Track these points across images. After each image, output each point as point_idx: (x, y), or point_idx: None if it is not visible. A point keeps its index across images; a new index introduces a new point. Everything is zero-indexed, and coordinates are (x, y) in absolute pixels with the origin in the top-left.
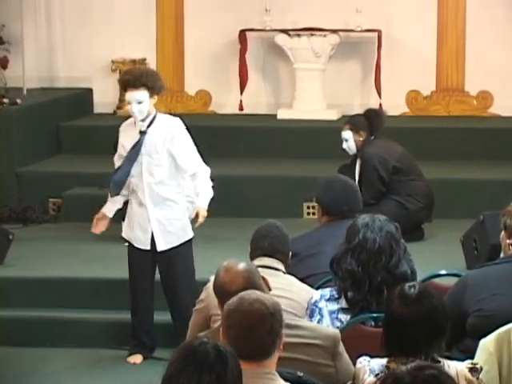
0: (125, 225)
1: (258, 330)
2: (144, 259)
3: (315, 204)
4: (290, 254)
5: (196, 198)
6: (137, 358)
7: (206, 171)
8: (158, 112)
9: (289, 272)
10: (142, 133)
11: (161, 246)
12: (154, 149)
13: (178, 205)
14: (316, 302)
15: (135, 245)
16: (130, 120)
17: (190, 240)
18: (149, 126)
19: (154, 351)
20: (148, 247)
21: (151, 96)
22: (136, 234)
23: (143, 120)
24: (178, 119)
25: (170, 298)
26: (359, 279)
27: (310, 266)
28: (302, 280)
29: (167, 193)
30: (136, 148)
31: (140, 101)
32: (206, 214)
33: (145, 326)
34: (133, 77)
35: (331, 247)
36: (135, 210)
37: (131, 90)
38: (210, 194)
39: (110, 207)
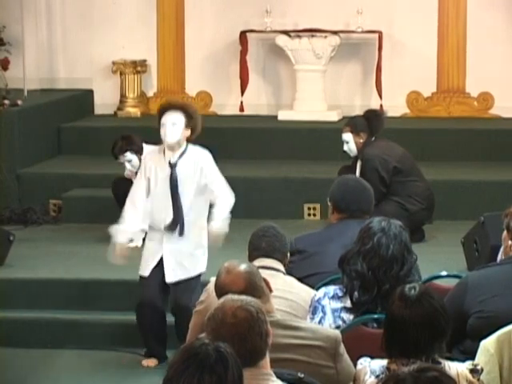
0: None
1: (250, 337)
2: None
3: (328, 203)
4: (295, 250)
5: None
6: (151, 361)
7: (228, 200)
8: (188, 145)
9: (289, 272)
10: (173, 165)
11: (170, 278)
12: (184, 182)
13: (192, 238)
14: (319, 299)
15: (146, 274)
16: (154, 148)
17: (200, 274)
18: (179, 158)
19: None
20: (156, 262)
21: (187, 126)
22: (147, 263)
23: (173, 150)
24: (206, 152)
25: (176, 324)
26: (368, 283)
27: (314, 264)
28: (305, 278)
29: (187, 225)
30: (172, 184)
31: (174, 122)
32: (220, 234)
33: (153, 332)
34: (173, 102)
35: (337, 247)
36: (148, 246)
37: (169, 111)
38: (225, 217)
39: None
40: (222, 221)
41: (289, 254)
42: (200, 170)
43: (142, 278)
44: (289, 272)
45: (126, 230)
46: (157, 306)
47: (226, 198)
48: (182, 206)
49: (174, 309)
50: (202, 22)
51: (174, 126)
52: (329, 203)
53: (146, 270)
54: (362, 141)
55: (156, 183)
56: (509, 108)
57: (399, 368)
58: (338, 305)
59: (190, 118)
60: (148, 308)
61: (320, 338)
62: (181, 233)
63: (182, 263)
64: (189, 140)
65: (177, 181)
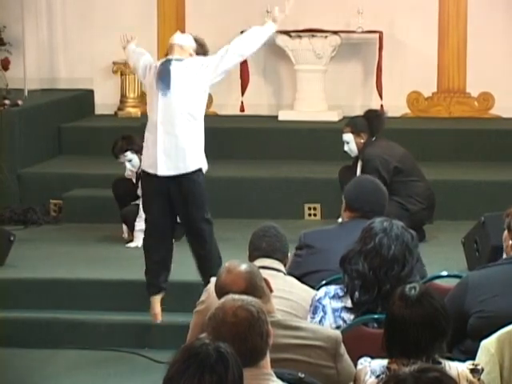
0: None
1: (251, 337)
2: (154, 184)
3: (342, 199)
4: (303, 245)
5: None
6: (156, 305)
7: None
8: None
9: (296, 265)
10: (169, 61)
11: (162, 171)
12: (178, 80)
13: (185, 132)
14: (320, 299)
15: (146, 169)
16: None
17: (199, 172)
18: (177, 61)
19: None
20: (155, 171)
21: (194, 50)
22: (147, 157)
23: (173, 54)
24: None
25: (189, 232)
26: (369, 283)
27: (320, 261)
28: (310, 273)
29: (180, 120)
30: (164, 70)
31: (184, 36)
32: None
33: (155, 262)
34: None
35: (345, 245)
36: (147, 137)
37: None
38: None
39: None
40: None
41: (296, 249)
42: (200, 71)
43: (146, 210)
44: (295, 266)
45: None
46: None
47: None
48: (175, 94)
49: (190, 234)
50: (202, 22)
51: (183, 36)
52: (343, 200)
53: (147, 167)
54: (362, 141)
55: (152, 76)
56: (509, 108)
57: (400, 368)
58: (338, 304)
59: (199, 45)
60: (153, 237)
61: (320, 338)
62: (167, 87)
63: (175, 157)
64: None
65: (169, 69)
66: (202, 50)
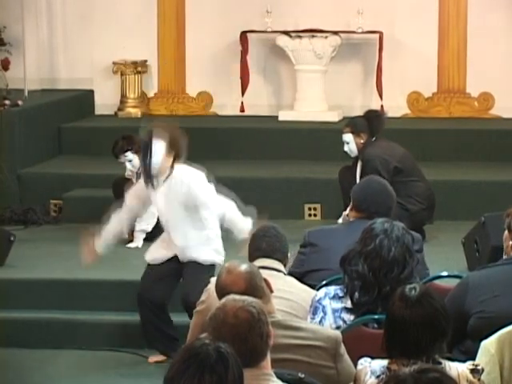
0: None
1: (251, 338)
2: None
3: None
4: (307, 243)
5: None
6: (158, 357)
7: (231, 207)
8: (173, 169)
9: (300, 263)
10: (157, 190)
11: (182, 257)
12: (172, 203)
13: (201, 233)
14: (320, 299)
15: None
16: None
17: (209, 268)
18: (164, 182)
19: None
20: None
21: (168, 152)
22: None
23: (157, 176)
24: (195, 174)
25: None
26: (369, 284)
27: (324, 259)
28: (313, 271)
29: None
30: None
31: (155, 151)
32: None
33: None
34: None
35: (348, 245)
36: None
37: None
38: (246, 223)
39: (101, 242)
40: (240, 229)
41: (300, 246)
42: (186, 192)
43: (147, 265)
44: (299, 263)
45: (102, 236)
46: (153, 299)
47: (231, 209)
48: (174, 221)
49: (183, 306)
50: (202, 22)
51: (153, 154)
52: (351, 198)
53: (152, 258)
54: (362, 141)
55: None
56: (509, 108)
57: (400, 368)
58: (338, 305)
59: (171, 144)
60: (143, 299)
61: (320, 339)
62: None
63: (190, 249)
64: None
65: (161, 204)
66: (174, 147)
